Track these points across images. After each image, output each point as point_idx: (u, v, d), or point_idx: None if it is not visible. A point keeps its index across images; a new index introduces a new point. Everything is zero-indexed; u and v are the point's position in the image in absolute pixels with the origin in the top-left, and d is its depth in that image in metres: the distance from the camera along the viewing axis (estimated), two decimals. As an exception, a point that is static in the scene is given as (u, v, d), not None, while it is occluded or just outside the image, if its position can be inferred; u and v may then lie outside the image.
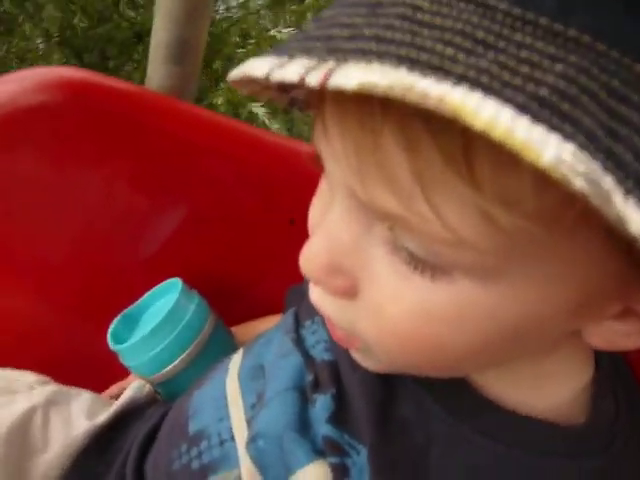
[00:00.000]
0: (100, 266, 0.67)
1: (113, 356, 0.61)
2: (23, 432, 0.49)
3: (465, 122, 0.17)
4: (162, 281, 0.64)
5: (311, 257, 0.28)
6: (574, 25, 0.19)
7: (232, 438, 0.40)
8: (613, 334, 0.27)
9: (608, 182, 0.17)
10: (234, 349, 0.62)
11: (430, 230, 0.22)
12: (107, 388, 0.64)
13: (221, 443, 0.40)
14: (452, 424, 0.32)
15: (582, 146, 0.17)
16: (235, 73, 0.24)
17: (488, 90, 0.17)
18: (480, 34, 0.19)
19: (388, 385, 0.35)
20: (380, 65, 0.18)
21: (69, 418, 0.52)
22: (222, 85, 1.37)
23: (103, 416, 0.52)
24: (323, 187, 0.31)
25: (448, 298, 0.25)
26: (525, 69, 0.18)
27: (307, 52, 0.21)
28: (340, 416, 0.35)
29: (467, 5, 0.20)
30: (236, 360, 0.46)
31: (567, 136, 0.17)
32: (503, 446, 0.31)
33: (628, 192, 0.17)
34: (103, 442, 0.51)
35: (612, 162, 0.17)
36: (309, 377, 0.38)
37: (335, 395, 0.36)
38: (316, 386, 0.37)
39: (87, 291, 0.67)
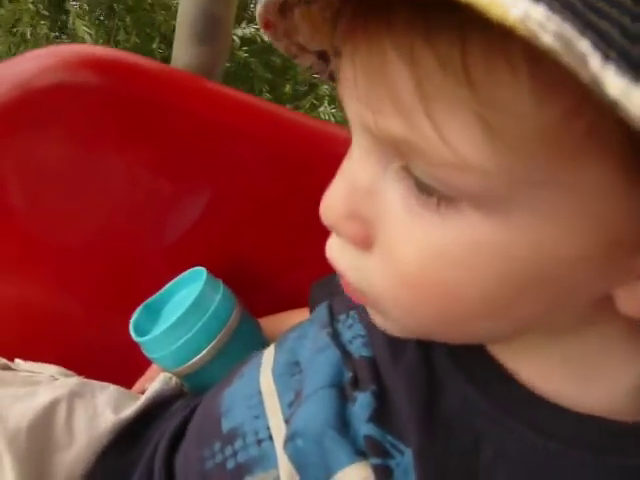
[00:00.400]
0: (122, 254, 0.65)
1: (135, 347, 0.59)
2: (46, 426, 0.47)
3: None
4: (185, 270, 0.62)
5: (330, 203, 0.29)
6: None
7: (270, 437, 0.38)
8: None
9: (584, 45, 0.16)
10: (261, 341, 0.61)
11: (434, 152, 0.22)
12: (129, 380, 0.63)
13: (258, 442, 0.39)
14: (502, 421, 0.31)
15: (555, 10, 0.17)
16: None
17: None
18: None
19: (432, 378, 0.34)
20: None
21: (95, 411, 0.50)
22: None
23: (130, 410, 0.50)
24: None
25: (457, 234, 0.24)
26: None
27: None
28: (382, 414, 0.34)
29: None
30: (268, 356, 0.45)
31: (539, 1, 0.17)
32: (557, 443, 0.30)
33: (607, 58, 0.16)
34: (130, 436, 0.49)
35: (592, 32, 0.17)
36: (348, 374, 0.37)
37: (376, 392, 0.35)
38: (355, 383, 0.36)
39: (109, 280, 0.65)
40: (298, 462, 0.35)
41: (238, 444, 0.39)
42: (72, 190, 0.61)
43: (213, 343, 0.56)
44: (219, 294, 0.59)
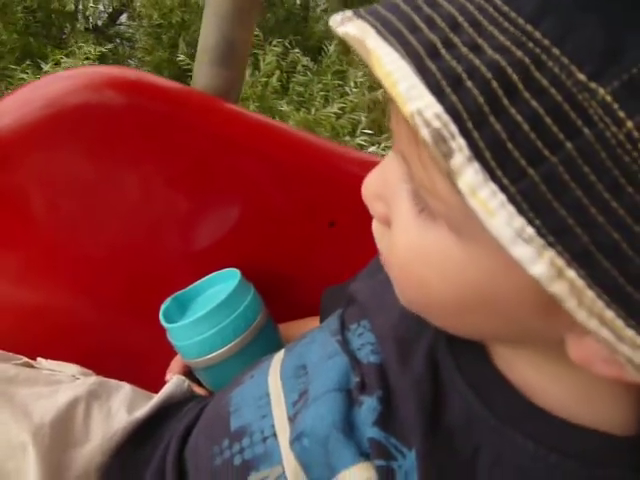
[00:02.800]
0: (140, 263, 0.68)
1: (153, 349, 0.62)
2: (66, 423, 0.50)
3: (374, 72, 0.23)
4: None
5: (367, 181, 0.35)
6: (541, 29, 0.22)
7: (274, 435, 0.40)
8: (592, 354, 0.26)
9: (458, 142, 0.22)
10: (280, 344, 0.64)
11: (422, 177, 0.27)
12: (146, 381, 0.65)
13: (264, 440, 0.41)
14: (503, 431, 0.32)
15: (451, 111, 0.22)
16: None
17: (411, 54, 0.23)
18: (460, 19, 0.23)
19: (437, 386, 0.35)
20: (365, 24, 0.25)
21: (109, 411, 0.53)
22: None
23: (143, 410, 0.53)
24: None
25: (432, 241, 0.29)
26: (465, 50, 0.22)
27: (364, 11, 0.26)
28: (387, 419, 0.35)
29: None
30: (278, 359, 0.47)
31: (443, 101, 0.22)
32: (557, 455, 0.31)
33: (477, 158, 0.21)
34: (142, 436, 0.52)
35: (479, 132, 0.21)
36: (355, 379, 0.39)
37: (382, 397, 0.36)
38: (362, 388, 0.38)
39: (128, 286, 0.68)
40: (304, 461, 0.37)
41: (245, 442, 0.41)
42: (93, 202, 0.64)
43: (237, 341, 0.60)
44: (250, 295, 0.62)
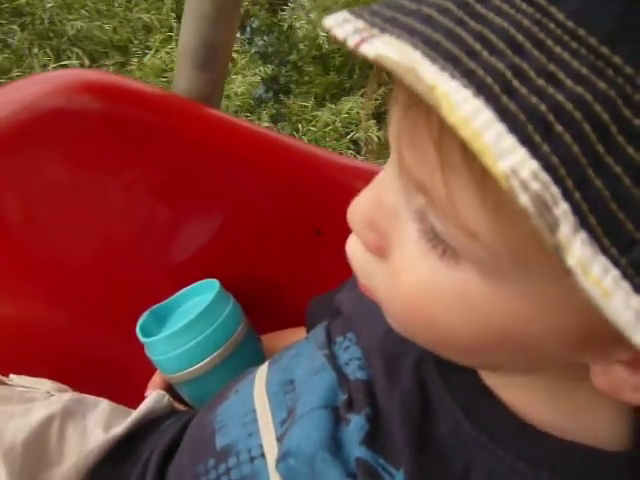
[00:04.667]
0: (120, 273, 0.66)
1: (132, 363, 0.60)
2: (40, 443, 0.48)
3: (442, 113, 0.18)
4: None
5: (356, 207, 0.30)
6: (620, 53, 0.18)
7: (262, 455, 0.39)
8: (620, 382, 0.26)
9: (562, 208, 0.17)
10: (262, 357, 0.62)
11: (447, 212, 0.23)
12: (125, 396, 0.63)
13: (251, 460, 0.39)
14: (493, 450, 0.31)
15: (548, 168, 0.17)
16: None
17: (483, 90, 0.18)
18: (519, 38, 0.19)
19: (425, 403, 0.34)
20: (402, 43, 0.20)
21: (85, 429, 0.51)
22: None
23: (119, 428, 0.51)
24: None
25: (452, 282, 0.26)
26: (541, 81, 0.18)
27: (370, 15, 0.22)
28: (374, 438, 0.34)
29: (528, 7, 0.20)
30: (262, 373, 0.45)
31: (537, 154, 0.17)
32: (547, 473, 0.30)
33: (583, 226, 0.18)
34: (119, 454, 0.50)
35: (581, 193, 0.18)
36: (343, 396, 0.37)
37: (370, 415, 0.35)
38: (350, 405, 0.37)
39: (107, 297, 0.66)
40: None
41: (232, 461, 0.40)
42: (70, 210, 0.62)
43: (217, 353, 0.58)
44: (229, 306, 0.61)
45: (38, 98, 0.57)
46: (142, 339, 0.59)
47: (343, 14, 0.23)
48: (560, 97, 0.18)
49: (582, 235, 0.18)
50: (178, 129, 0.61)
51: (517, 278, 0.24)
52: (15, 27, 1.68)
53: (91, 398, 0.56)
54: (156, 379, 0.64)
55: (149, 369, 0.63)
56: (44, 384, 0.56)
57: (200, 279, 0.64)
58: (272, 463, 0.38)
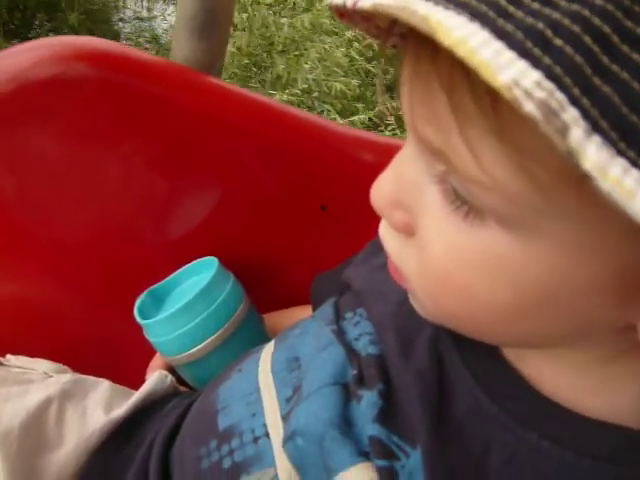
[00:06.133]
0: (119, 249, 0.64)
1: (133, 342, 0.58)
2: (37, 426, 0.47)
3: (438, 40, 0.19)
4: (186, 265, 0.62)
5: (379, 189, 0.30)
6: None
7: (267, 435, 0.38)
8: None
9: (571, 114, 0.18)
10: (265, 336, 0.61)
11: (468, 169, 0.23)
12: (126, 376, 0.62)
13: (255, 440, 0.38)
14: (515, 429, 0.30)
15: (552, 77, 0.18)
16: None
17: (478, 16, 0.19)
18: None
19: (443, 379, 0.34)
20: None
21: (85, 411, 0.50)
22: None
23: (121, 410, 0.50)
24: None
25: (479, 242, 0.26)
26: (536, 4, 0.19)
27: None
28: (389, 415, 0.33)
29: None
30: (267, 352, 0.44)
31: (538, 65, 0.18)
32: (573, 453, 0.29)
33: (595, 130, 0.18)
34: (121, 437, 0.49)
35: (589, 99, 0.18)
36: (352, 372, 0.36)
37: (383, 391, 0.34)
38: (360, 381, 0.35)
39: (107, 275, 0.65)
40: (299, 462, 0.35)
41: (235, 442, 0.38)
42: (66, 184, 0.60)
43: (218, 333, 0.56)
44: (229, 284, 0.59)
45: (29, 67, 0.54)
46: (140, 321, 0.57)
47: None
48: (557, 15, 0.19)
49: (596, 138, 0.18)
50: (177, 99, 0.58)
51: (544, 229, 0.23)
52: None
53: (91, 379, 0.54)
54: (156, 362, 0.63)
55: (149, 350, 0.62)
56: (41, 364, 0.55)
57: (199, 256, 0.62)
58: (277, 442, 0.37)
